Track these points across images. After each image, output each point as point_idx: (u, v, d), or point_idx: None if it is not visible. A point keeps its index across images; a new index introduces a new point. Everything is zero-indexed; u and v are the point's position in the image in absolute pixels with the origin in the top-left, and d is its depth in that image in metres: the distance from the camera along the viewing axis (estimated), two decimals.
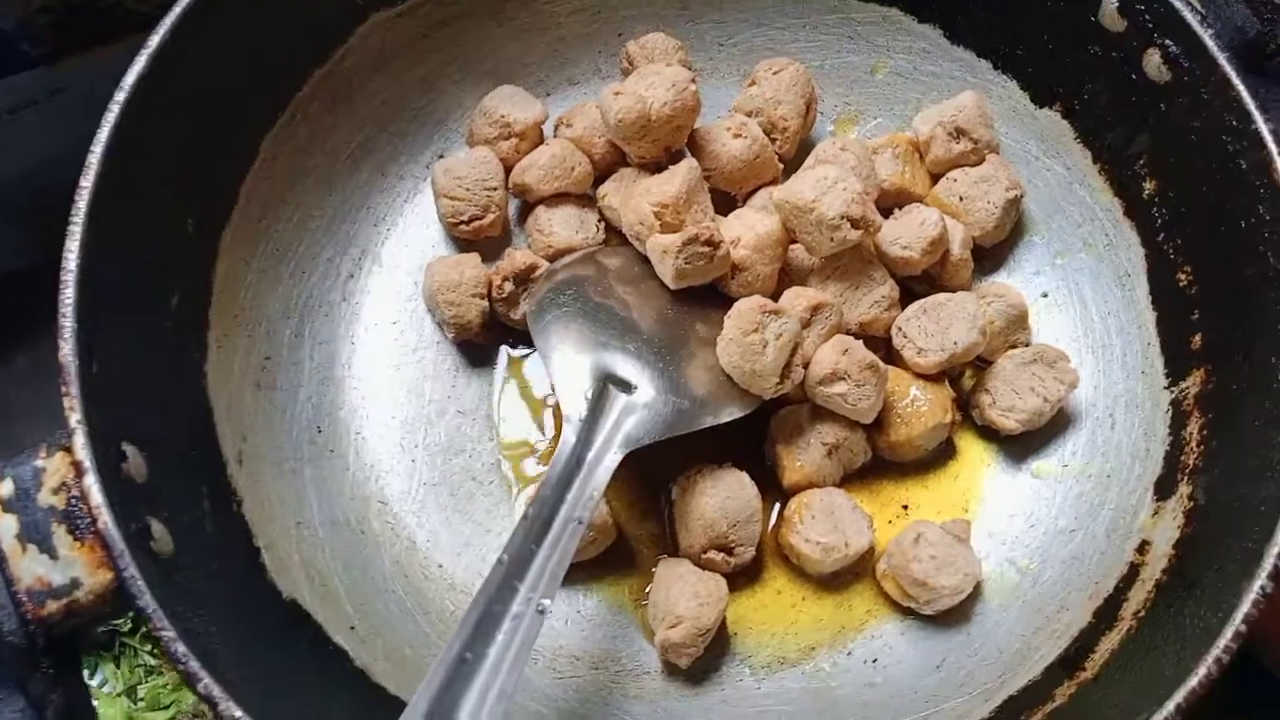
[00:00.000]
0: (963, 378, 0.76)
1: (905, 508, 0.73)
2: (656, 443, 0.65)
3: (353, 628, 0.66)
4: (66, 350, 0.55)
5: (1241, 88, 0.66)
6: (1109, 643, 0.64)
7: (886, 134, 0.81)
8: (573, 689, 0.67)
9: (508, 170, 0.77)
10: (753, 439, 0.72)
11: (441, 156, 0.79)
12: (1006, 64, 0.79)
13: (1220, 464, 0.66)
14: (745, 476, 0.68)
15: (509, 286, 0.73)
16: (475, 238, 0.77)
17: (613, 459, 0.63)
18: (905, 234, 0.73)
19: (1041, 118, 0.79)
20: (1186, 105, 0.69)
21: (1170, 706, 0.54)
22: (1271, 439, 0.62)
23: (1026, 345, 0.75)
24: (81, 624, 0.54)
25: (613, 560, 0.70)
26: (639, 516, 0.72)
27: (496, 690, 0.53)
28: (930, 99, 0.81)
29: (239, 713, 0.51)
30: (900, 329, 0.73)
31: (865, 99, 0.83)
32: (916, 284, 0.76)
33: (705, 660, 0.67)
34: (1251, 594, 0.56)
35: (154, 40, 0.63)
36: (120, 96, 0.61)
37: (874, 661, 0.69)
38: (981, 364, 0.75)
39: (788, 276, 0.74)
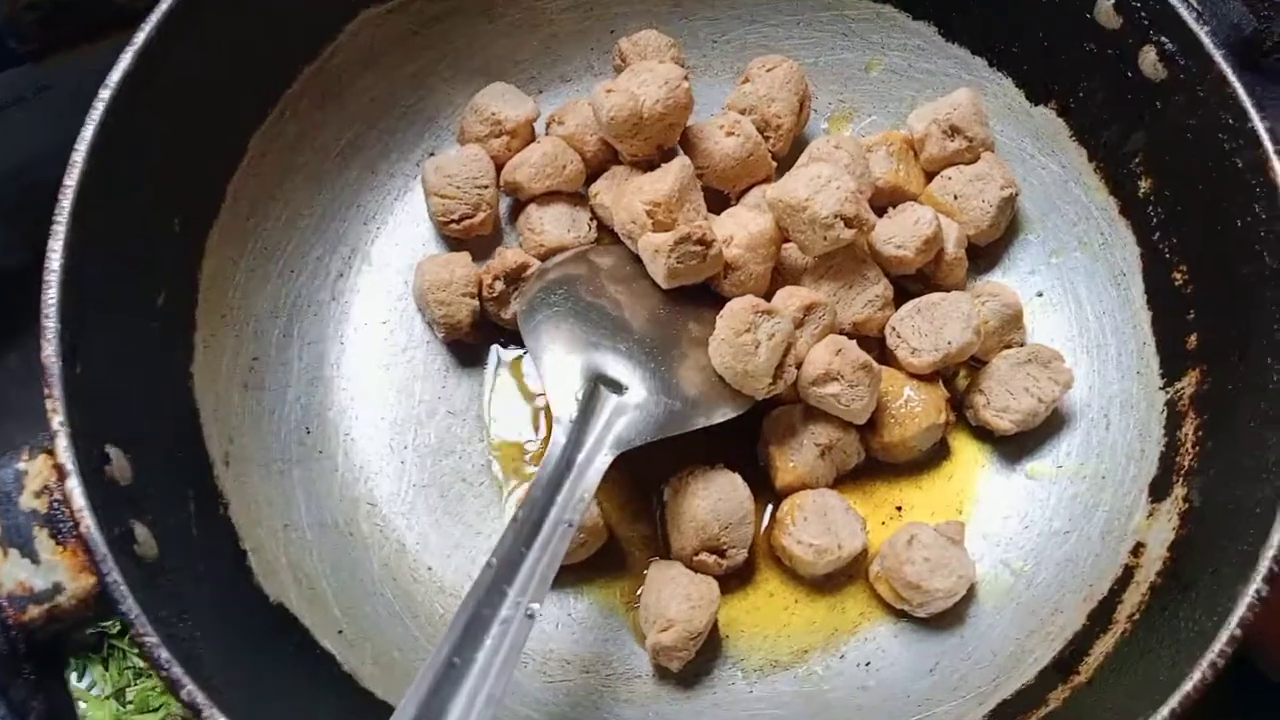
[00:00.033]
0: (957, 378, 0.75)
1: (899, 509, 0.73)
2: (648, 444, 0.64)
3: (340, 631, 0.65)
4: (49, 351, 0.55)
5: (1238, 85, 0.65)
6: (1103, 646, 0.64)
7: (881, 132, 0.80)
8: (563, 693, 0.67)
9: (499, 168, 0.77)
10: (745, 440, 0.72)
11: (432, 154, 0.79)
12: (1001, 61, 0.79)
13: (1215, 465, 0.66)
14: (737, 478, 0.68)
15: (500, 285, 0.72)
16: (466, 236, 0.77)
17: (603, 460, 0.63)
18: (899, 233, 0.73)
19: (1036, 115, 0.79)
20: (1182, 103, 0.69)
21: (1165, 711, 0.54)
22: (1267, 440, 0.62)
23: (1021, 345, 0.74)
24: (64, 629, 0.54)
25: (603, 563, 0.70)
26: (630, 518, 0.71)
27: (485, 695, 0.52)
28: (925, 96, 0.81)
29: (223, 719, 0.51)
30: (894, 329, 0.72)
31: (859, 96, 0.83)
32: (910, 283, 0.75)
33: (697, 663, 0.67)
34: (1247, 597, 0.56)
35: (140, 37, 0.63)
36: (105, 94, 0.61)
37: (867, 665, 0.68)
38: (976, 364, 0.74)
39: (781, 276, 0.73)
